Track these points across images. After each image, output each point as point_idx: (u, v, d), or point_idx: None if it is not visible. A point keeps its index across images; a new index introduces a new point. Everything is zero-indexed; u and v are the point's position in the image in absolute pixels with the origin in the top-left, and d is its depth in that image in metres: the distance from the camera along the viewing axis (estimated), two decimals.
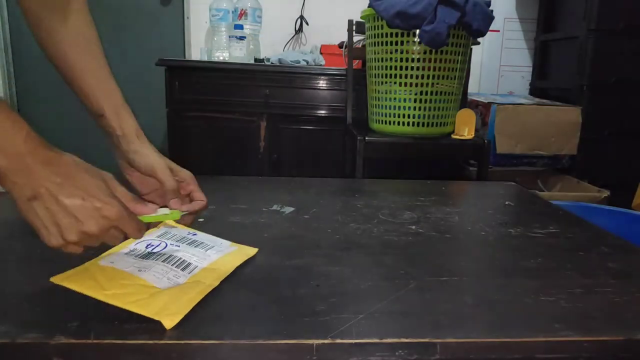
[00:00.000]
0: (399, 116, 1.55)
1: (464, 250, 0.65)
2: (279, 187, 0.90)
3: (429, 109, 1.53)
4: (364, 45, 1.77)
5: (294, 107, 2.00)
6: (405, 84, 1.51)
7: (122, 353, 0.39)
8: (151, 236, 0.58)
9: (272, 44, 2.43)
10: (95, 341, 0.38)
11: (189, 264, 0.52)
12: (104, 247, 0.51)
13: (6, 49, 2.43)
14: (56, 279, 0.47)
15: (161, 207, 0.54)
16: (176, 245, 0.56)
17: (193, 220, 0.58)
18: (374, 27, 1.53)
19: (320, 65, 2.10)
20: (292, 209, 0.77)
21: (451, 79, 1.52)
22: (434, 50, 1.45)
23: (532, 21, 2.51)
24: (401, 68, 1.50)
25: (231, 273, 0.52)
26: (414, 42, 1.46)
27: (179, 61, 1.99)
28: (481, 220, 0.75)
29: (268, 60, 2.10)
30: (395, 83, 1.53)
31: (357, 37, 1.85)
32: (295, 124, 2.03)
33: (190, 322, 0.42)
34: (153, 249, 0.54)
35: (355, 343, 0.40)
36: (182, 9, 2.49)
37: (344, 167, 1.98)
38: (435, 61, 1.47)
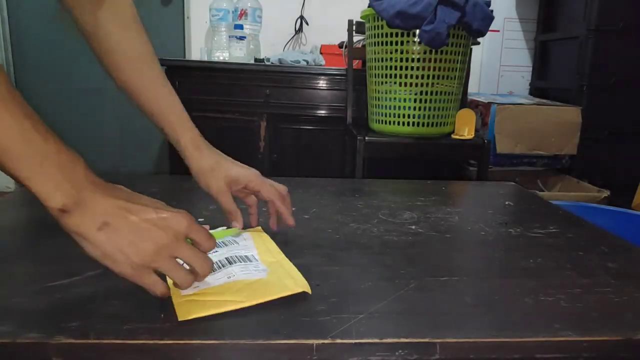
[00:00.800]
0: (399, 116, 1.55)
1: (464, 250, 0.65)
2: None
3: (429, 109, 1.53)
4: (364, 45, 1.77)
5: (294, 107, 2.00)
6: (405, 84, 1.51)
7: (122, 353, 0.39)
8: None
9: (272, 44, 2.43)
10: (95, 341, 0.38)
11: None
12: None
13: (6, 48, 2.43)
14: (182, 317, 0.43)
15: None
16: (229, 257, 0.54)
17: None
18: (374, 27, 1.53)
19: (320, 65, 2.10)
20: (292, 209, 0.76)
21: (451, 79, 1.52)
22: (434, 50, 1.45)
23: (532, 21, 2.51)
24: (401, 68, 1.50)
25: None
26: (414, 42, 1.46)
27: (179, 61, 2.00)
28: (481, 220, 0.75)
29: (268, 60, 2.10)
30: (395, 83, 1.53)
31: (357, 37, 1.85)
32: (295, 124, 2.03)
33: (190, 322, 0.42)
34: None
35: (355, 343, 0.40)
36: (182, 9, 2.49)
37: (344, 167, 1.98)
38: (435, 61, 1.48)
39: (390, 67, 1.52)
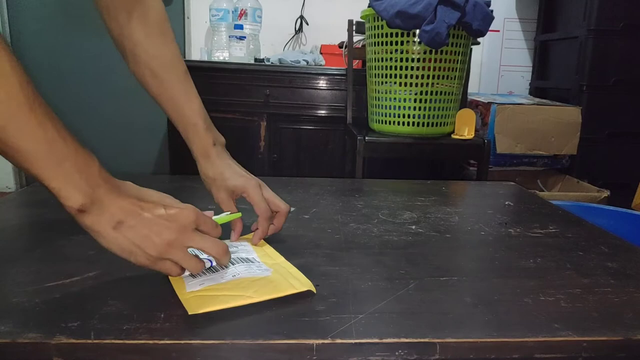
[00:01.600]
0: (399, 116, 1.55)
1: (463, 250, 0.65)
2: (279, 187, 0.90)
3: (429, 109, 1.53)
4: (364, 45, 1.77)
5: (294, 107, 2.00)
6: (405, 84, 1.51)
7: (122, 353, 0.39)
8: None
9: (272, 44, 2.43)
10: (95, 341, 0.38)
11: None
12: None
13: None
14: (192, 311, 0.43)
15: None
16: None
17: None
18: (374, 27, 1.53)
19: (320, 65, 2.10)
20: (292, 209, 0.77)
21: (451, 79, 1.52)
22: (434, 50, 1.45)
23: (532, 21, 2.51)
24: (401, 68, 1.50)
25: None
26: (414, 42, 1.46)
27: None
28: (481, 220, 0.75)
29: (268, 60, 2.10)
30: (395, 83, 1.53)
31: (357, 37, 1.85)
32: (295, 124, 2.03)
33: (191, 322, 0.42)
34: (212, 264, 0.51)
35: (355, 343, 0.40)
36: (182, 9, 2.49)
37: (344, 167, 1.98)
38: (435, 61, 1.48)
39: (390, 67, 1.52)
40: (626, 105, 2.01)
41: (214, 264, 0.50)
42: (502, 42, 2.55)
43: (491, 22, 1.47)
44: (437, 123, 1.56)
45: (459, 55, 1.50)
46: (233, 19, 2.15)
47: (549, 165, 2.03)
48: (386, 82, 1.55)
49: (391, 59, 1.51)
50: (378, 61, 1.56)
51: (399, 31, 1.45)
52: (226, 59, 2.11)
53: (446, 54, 1.47)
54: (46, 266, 0.52)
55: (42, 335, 0.39)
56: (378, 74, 1.57)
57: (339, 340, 0.40)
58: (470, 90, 2.10)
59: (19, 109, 0.38)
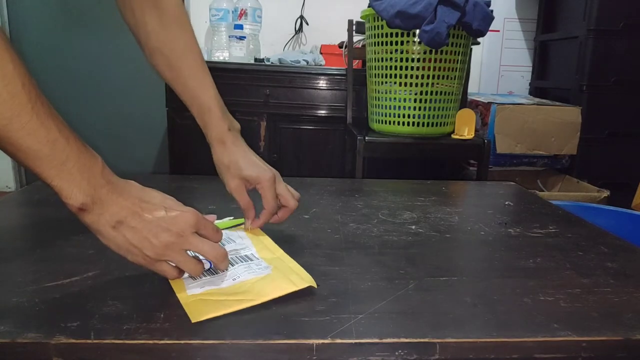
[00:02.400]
0: (399, 116, 1.55)
1: (463, 250, 0.65)
2: None
3: (429, 109, 1.53)
4: (364, 45, 1.77)
5: (294, 107, 2.00)
6: (405, 84, 1.51)
7: (122, 353, 0.39)
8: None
9: (272, 44, 2.43)
10: (95, 341, 0.39)
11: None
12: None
13: None
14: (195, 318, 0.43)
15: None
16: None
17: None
18: (374, 27, 1.53)
19: (320, 65, 2.10)
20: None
21: (451, 79, 1.52)
22: (434, 50, 1.45)
23: (532, 21, 2.51)
24: (401, 68, 1.50)
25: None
26: (414, 42, 1.46)
27: None
28: (481, 220, 0.75)
29: (268, 60, 2.10)
30: (395, 83, 1.53)
31: (357, 37, 1.85)
32: (295, 124, 2.03)
33: (190, 322, 0.42)
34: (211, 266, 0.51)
35: (355, 343, 0.40)
36: None
37: (344, 167, 1.98)
38: (435, 61, 1.48)
39: (390, 67, 1.52)
40: (626, 105, 2.01)
41: (212, 265, 0.50)
42: (502, 42, 2.55)
43: (491, 22, 1.47)
44: (437, 123, 1.56)
45: (459, 55, 1.50)
46: (233, 19, 2.15)
47: (549, 165, 2.03)
48: (386, 82, 1.55)
49: (391, 59, 1.51)
50: (378, 61, 1.56)
51: (399, 31, 1.45)
52: (226, 59, 2.11)
53: (446, 54, 1.47)
54: (46, 266, 0.52)
55: (42, 335, 0.39)
56: (378, 74, 1.57)
57: (339, 340, 0.40)
58: (470, 90, 2.10)
59: (21, 109, 0.39)
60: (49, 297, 0.45)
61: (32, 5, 2.42)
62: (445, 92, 1.53)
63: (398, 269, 0.55)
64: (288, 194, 0.63)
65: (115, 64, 2.46)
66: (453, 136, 1.61)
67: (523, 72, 2.57)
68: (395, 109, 1.55)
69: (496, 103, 1.89)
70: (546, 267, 0.57)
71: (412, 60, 1.48)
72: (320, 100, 2.00)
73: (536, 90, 2.48)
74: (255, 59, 2.09)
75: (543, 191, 2.00)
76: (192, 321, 0.42)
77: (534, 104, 1.93)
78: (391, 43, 1.49)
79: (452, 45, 1.46)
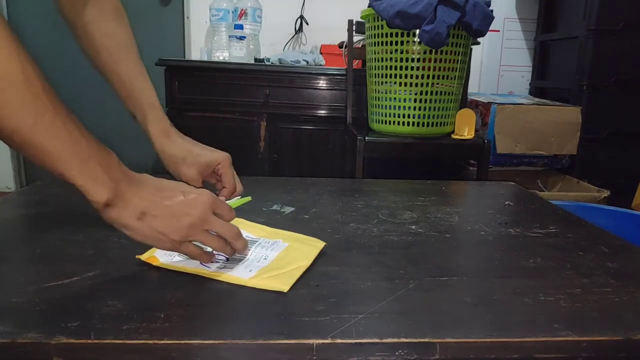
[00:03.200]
0: (399, 116, 1.55)
1: (463, 250, 0.65)
2: (279, 187, 0.91)
3: (429, 109, 1.53)
4: (364, 45, 1.77)
5: (294, 107, 2.00)
6: (405, 84, 1.51)
7: (122, 353, 0.39)
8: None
9: (272, 44, 2.43)
10: (95, 341, 0.38)
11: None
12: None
13: None
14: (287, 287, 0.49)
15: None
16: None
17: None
18: (374, 27, 1.53)
19: (320, 65, 2.10)
20: (292, 209, 0.77)
21: (451, 79, 1.52)
22: (434, 50, 1.45)
23: (532, 21, 2.51)
24: (401, 68, 1.50)
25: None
26: (414, 42, 1.46)
27: (179, 61, 2.00)
28: (481, 220, 0.75)
29: (268, 60, 2.10)
30: (395, 83, 1.53)
31: (357, 37, 1.85)
32: (295, 124, 2.03)
33: (190, 322, 0.42)
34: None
35: (355, 343, 0.40)
36: (182, 9, 2.49)
37: (344, 167, 1.98)
38: (435, 61, 1.47)
39: (390, 67, 1.52)
40: (626, 105, 2.01)
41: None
42: (502, 42, 2.55)
43: (491, 22, 1.47)
44: (437, 123, 1.56)
45: (459, 55, 1.50)
46: (233, 19, 2.15)
47: (549, 165, 2.03)
48: (386, 82, 1.55)
49: (391, 59, 1.51)
50: (378, 61, 1.56)
51: (399, 31, 1.45)
52: (226, 59, 2.11)
53: (446, 54, 1.47)
54: (46, 266, 0.52)
55: (42, 335, 0.39)
56: (378, 74, 1.57)
57: (339, 340, 0.40)
58: (470, 90, 2.10)
59: (45, 111, 0.40)
60: (49, 297, 0.45)
61: (32, 5, 2.42)
62: (445, 92, 1.53)
63: (398, 269, 0.55)
64: (236, 179, 0.69)
65: None
66: (453, 136, 1.61)
67: (523, 72, 2.57)
68: (395, 109, 1.55)
69: (496, 103, 1.89)
70: (546, 267, 0.57)
71: (412, 60, 1.48)
72: (320, 100, 2.00)
73: (536, 90, 2.48)
74: (255, 59, 2.09)
75: (543, 191, 2.00)
76: (286, 290, 0.47)
77: (534, 104, 1.93)
78: (391, 43, 1.49)
79: (452, 45, 1.46)
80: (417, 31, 1.42)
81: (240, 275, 0.51)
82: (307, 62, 2.05)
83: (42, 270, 0.51)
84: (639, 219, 1.21)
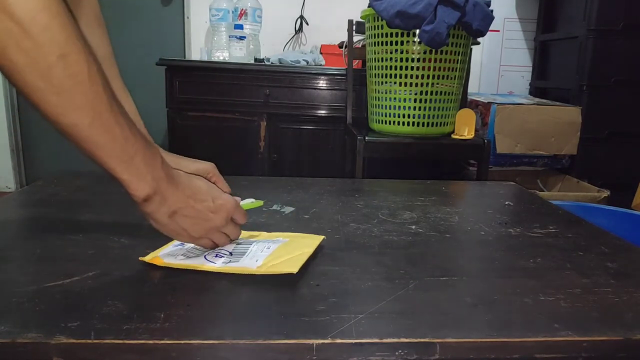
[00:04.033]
0: (399, 116, 1.55)
1: (463, 250, 0.65)
2: (279, 187, 0.91)
3: (429, 109, 1.53)
4: (364, 45, 1.77)
5: (294, 107, 2.00)
6: (405, 84, 1.51)
7: (122, 353, 0.39)
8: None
9: (272, 44, 2.43)
10: (95, 341, 0.38)
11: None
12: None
13: None
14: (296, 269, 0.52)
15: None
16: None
17: None
18: (374, 27, 1.53)
19: (320, 65, 2.10)
20: (292, 209, 0.77)
21: (451, 79, 1.52)
22: (434, 50, 1.45)
23: (532, 21, 2.51)
24: (401, 68, 1.50)
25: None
26: (414, 42, 1.46)
27: (179, 61, 2.00)
28: (481, 220, 0.75)
29: (268, 60, 2.10)
30: (395, 83, 1.53)
31: (357, 37, 1.85)
32: (295, 124, 2.03)
33: (190, 322, 0.42)
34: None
35: (355, 343, 0.40)
36: (182, 9, 2.49)
37: (344, 167, 1.98)
38: (435, 61, 1.47)
39: (390, 67, 1.52)
40: (626, 105, 2.01)
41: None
42: (502, 42, 2.55)
43: (491, 22, 1.47)
44: (437, 123, 1.56)
45: (459, 55, 1.50)
46: (233, 19, 2.15)
47: (549, 165, 2.03)
48: (386, 82, 1.55)
49: (391, 59, 1.51)
50: (378, 61, 1.56)
51: (399, 31, 1.45)
52: (226, 59, 2.11)
53: (446, 54, 1.47)
54: (46, 266, 0.52)
55: (42, 335, 0.39)
56: (378, 74, 1.57)
57: (339, 340, 0.40)
58: (470, 90, 2.10)
59: (103, 108, 0.42)
60: (49, 297, 0.45)
61: None
62: (445, 92, 1.53)
63: (398, 269, 0.55)
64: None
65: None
66: (453, 136, 1.61)
67: (523, 72, 2.57)
68: (395, 109, 1.55)
69: (496, 103, 1.89)
70: (546, 267, 0.57)
71: (412, 60, 1.48)
72: (320, 100, 2.00)
73: (536, 90, 2.48)
74: (255, 59, 2.09)
75: (543, 191, 2.00)
76: (295, 271, 0.50)
77: (534, 104, 1.93)
78: (391, 43, 1.49)
79: (452, 45, 1.46)
80: (417, 31, 1.42)
81: (248, 265, 0.52)
82: (307, 62, 2.05)
83: (42, 270, 0.51)
84: (639, 219, 1.21)
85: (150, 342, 0.39)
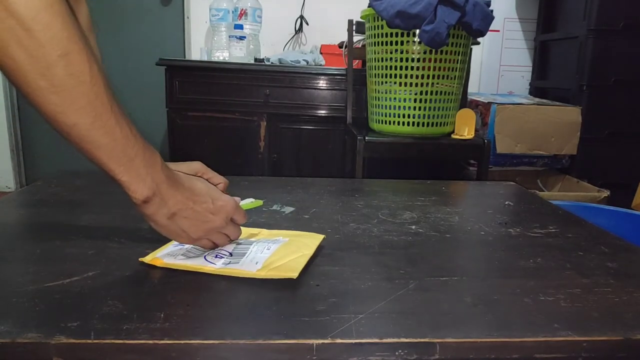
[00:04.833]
0: (399, 116, 1.55)
1: (463, 250, 0.65)
2: (279, 187, 0.91)
3: (429, 109, 1.53)
4: (364, 45, 1.77)
5: (294, 107, 2.00)
6: (405, 84, 1.51)
7: (122, 353, 0.39)
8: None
9: (272, 44, 2.43)
10: (95, 341, 0.38)
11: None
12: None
13: None
14: (295, 274, 0.51)
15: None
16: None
17: None
18: (374, 27, 1.53)
19: (320, 65, 2.10)
20: (292, 209, 0.77)
21: (451, 79, 1.52)
22: (434, 50, 1.45)
23: (532, 21, 2.51)
24: (401, 68, 1.50)
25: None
26: (414, 42, 1.46)
27: (179, 61, 2.00)
28: (481, 220, 0.75)
29: (268, 60, 2.10)
30: (395, 83, 1.53)
31: (357, 37, 1.85)
32: (295, 124, 2.03)
33: (190, 322, 0.42)
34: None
35: (355, 343, 0.40)
36: (182, 9, 2.49)
37: (344, 167, 1.98)
38: (435, 61, 1.47)
39: (390, 67, 1.52)
40: (626, 105, 2.01)
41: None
42: (502, 42, 2.55)
43: (491, 22, 1.47)
44: (437, 123, 1.56)
45: (459, 55, 1.50)
46: (233, 19, 2.15)
47: (549, 165, 2.03)
48: (386, 82, 1.55)
49: (391, 59, 1.51)
50: (378, 61, 1.56)
51: (399, 31, 1.45)
52: (226, 59, 2.11)
53: (446, 54, 1.47)
54: (46, 266, 0.52)
55: (42, 335, 0.39)
56: (378, 74, 1.57)
57: (339, 340, 0.40)
58: (470, 90, 2.10)
59: (103, 109, 0.42)
60: (49, 297, 0.45)
61: None
62: (445, 92, 1.53)
63: (398, 269, 0.55)
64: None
65: (115, 65, 2.46)
66: (453, 136, 1.61)
67: (523, 72, 2.57)
68: (395, 109, 1.55)
69: (496, 103, 1.89)
70: (546, 267, 0.57)
71: (412, 60, 1.48)
72: (320, 100, 2.00)
73: (536, 90, 2.48)
74: (255, 59, 2.10)
75: (543, 191, 2.00)
76: (295, 277, 0.50)
77: (534, 104, 1.93)
78: (391, 43, 1.49)
79: (452, 45, 1.46)
80: (417, 31, 1.42)
81: (248, 268, 0.52)
82: (307, 62, 2.05)
83: (42, 270, 0.51)
84: (639, 219, 1.21)
85: (150, 342, 0.39)
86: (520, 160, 1.97)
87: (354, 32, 1.81)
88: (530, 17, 2.51)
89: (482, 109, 1.96)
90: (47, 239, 0.61)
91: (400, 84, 1.51)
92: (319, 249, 0.59)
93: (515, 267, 0.57)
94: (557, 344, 0.41)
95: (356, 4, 1.88)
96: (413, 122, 1.54)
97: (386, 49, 1.51)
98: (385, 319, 0.43)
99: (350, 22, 1.81)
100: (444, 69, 1.49)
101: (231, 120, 1.99)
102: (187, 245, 0.57)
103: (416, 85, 1.50)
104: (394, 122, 1.57)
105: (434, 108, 1.53)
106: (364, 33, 1.67)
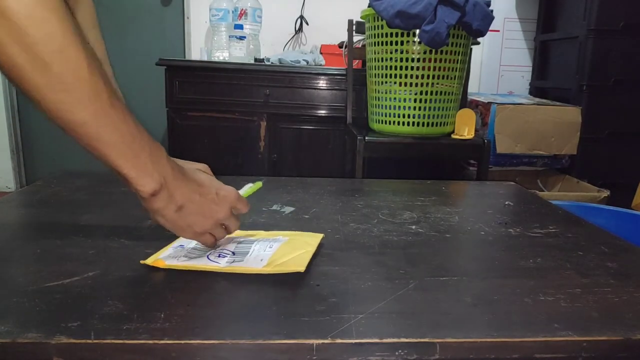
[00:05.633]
0: (399, 116, 1.55)
1: (463, 250, 0.65)
2: (279, 187, 0.91)
3: (429, 109, 1.53)
4: (364, 45, 1.77)
5: (294, 107, 2.00)
6: (405, 84, 1.51)
7: (122, 353, 0.39)
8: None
9: (272, 44, 2.43)
10: (95, 341, 0.38)
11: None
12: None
13: None
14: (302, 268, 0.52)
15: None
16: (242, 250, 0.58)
17: None
18: (374, 27, 1.53)
19: (320, 65, 2.10)
20: (292, 209, 0.77)
21: (451, 79, 1.52)
22: (434, 50, 1.45)
23: (532, 21, 2.51)
24: (401, 68, 1.50)
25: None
26: (414, 42, 1.46)
27: (179, 61, 2.00)
28: (481, 220, 0.75)
29: (268, 60, 2.10)
30: (395, 83, 1.53)
31: (357, 37, 1.85)
32: (295, 124, 2.03)
33: (191, 322, 0.42)
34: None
35: (355, 343, 0.40)
36: (182, 9, 2.49)
37: (344, 167, 1.98)
38: (435, 61, 1.47)
39: (390, 67, 1.52)
40: (626, 105, 2.01)
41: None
42: (502, 42, 2.55)
43: (491, 22, 1.47)
44: (437, 123, 1.56)
45: (459, 55, 1.50)
46: (233, 19, 2.15)
47: (549, 165, 2.03)
48: (386, 82, 1.55)
49: (391, 59, 1.51)
50: (378, 61, 1.56)
51: (399, 31, 1.45)
52: (226, 59, 2.11)
53: (446, 54, 1.47)
54: (46, 266, 0.52)
55: (42, 335, 0.39)
56: (378, 74, 1.57)
57: (339, 340, 0.40)
58: (470, 90, 2.10)
59: (106, 105, 0.42)
60: (49, 297, 0.45)
61: None
62: (445, 92, 1.53)
63: (398, 269, 0.55)
64: None
65: (115, 64, 2.46)
66: (453, 136, 1.61)
67: (523, 72, 2.57)
68: (395, 109, 1.55)
69: (496, 103, 1.89)
70: (546, 267, 0.57)
71: (412, 60, 1.48)
72: (320, 100, 2.00)
73: (536, 90, 2.48)
74: (255, 59, 2.09)
75: (543, 191, 2.00)
76: (303, 270, 0.51)
77: (534, 104, 1.93)
78: (391, 43, 1.49)
79: (452, 45, 1.46)
80: (417, 31, 1.42)
81: (254, 265, 0.52)
82: (307, 62, 2.05)
83: (42, 270, 0.51)
84: (639, 219, 1.21)
85: (150, 342, 0.39)
86: (520, 160, 1.97)
87: (354, 32, 1.81)
88: (530, 17, 2.51)
89: (482, 109, 1.96)
90: (47, 239, 0.61)
91: (400, 84, 1.51)
92: (319, 248, 0.59)
93: (515, 267, 0.57)
94: (557, 344, 0.41)
95: (356, 4, 1.88)
96: (413, 122, 1.54)
97: (386, 49, 1.51)
98: (385, 319, 0.43)
99: (350, 22, 1.81)
100: (444, 69, 1.49)
101: (231, 120, 1.99)
102: (188, 246, 0.57)
103: (416, 85, 1.50)
104: (394, 122, 1.57)
105: (434, 108, 1.53)
106: (364, 33, 1.67)
